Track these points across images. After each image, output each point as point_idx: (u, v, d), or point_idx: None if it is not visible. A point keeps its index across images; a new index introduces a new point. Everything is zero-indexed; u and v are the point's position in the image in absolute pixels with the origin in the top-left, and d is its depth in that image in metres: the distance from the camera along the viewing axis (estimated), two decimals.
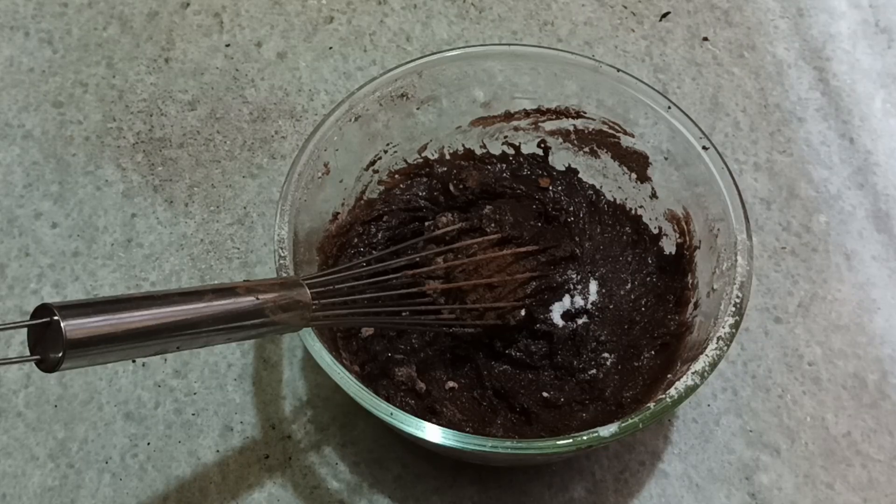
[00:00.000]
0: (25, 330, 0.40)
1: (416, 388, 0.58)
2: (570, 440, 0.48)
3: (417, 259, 0.60)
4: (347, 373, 0.50)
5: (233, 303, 0.46)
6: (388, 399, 0.53)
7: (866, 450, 0.60)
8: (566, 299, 0.61)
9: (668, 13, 0.80)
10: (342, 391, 0.50)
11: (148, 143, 0.72)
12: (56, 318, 0.39)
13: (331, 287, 0.52)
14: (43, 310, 0.40)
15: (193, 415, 0.60)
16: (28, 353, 0.40)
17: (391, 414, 0.49)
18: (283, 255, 0.54)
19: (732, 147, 0.73)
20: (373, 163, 0.63)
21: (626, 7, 0.81)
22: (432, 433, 0.49)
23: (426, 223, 0.63)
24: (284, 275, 0.53)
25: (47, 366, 0.40)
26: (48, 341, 0.40)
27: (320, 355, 0.50)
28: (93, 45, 0.77)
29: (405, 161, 0.65)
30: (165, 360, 0.62)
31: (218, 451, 0.59)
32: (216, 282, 0.65)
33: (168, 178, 0.70)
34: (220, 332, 0.46)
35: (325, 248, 0.60)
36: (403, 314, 0.58)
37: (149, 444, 0.59)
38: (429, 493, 0.58)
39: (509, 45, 0.63)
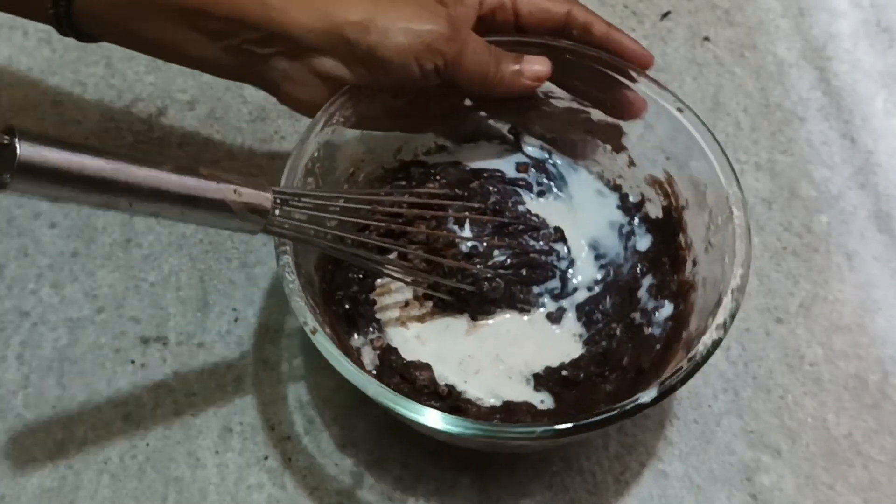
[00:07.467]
0: (24, 334, 0.40)
1: (438, 390, 0.58)
2: (615, 412, 0.47)
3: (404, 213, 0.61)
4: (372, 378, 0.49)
5: (195, 182, 0.47)
6: None
7: (867, 451, 0.60)
8: (555, 282, 0.62)
9: (668, 12, 0.80)
10: (342, 392, 0.50)
11: (147, 143, 0.71)
12: (15, 139, 0.41)
13: (297, 201, 0.52)
14: (9, 132, 0.41)
15: (192, 416, 0.60)
16: None
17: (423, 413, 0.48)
18: (283, 255, 0.54)
19: (733, 147, 0.73)
20: (352, 174, 0.62)
21: (626, 6, 0.81)
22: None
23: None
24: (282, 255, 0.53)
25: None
26: (5, 161, 0.41)
27: (339, 362, 0.48)
28: (91, 44, 0.76)
29: (382, 168, 0.64)
30: (165, 360, 0.62)
31: (217, 452, 0.59)
32: (212, 287, 0.65)
33: None
34: (174, 206, 0.47)
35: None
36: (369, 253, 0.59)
37: (148, 444, 0.59)
38: (429, 494, 0.58)
39: None
